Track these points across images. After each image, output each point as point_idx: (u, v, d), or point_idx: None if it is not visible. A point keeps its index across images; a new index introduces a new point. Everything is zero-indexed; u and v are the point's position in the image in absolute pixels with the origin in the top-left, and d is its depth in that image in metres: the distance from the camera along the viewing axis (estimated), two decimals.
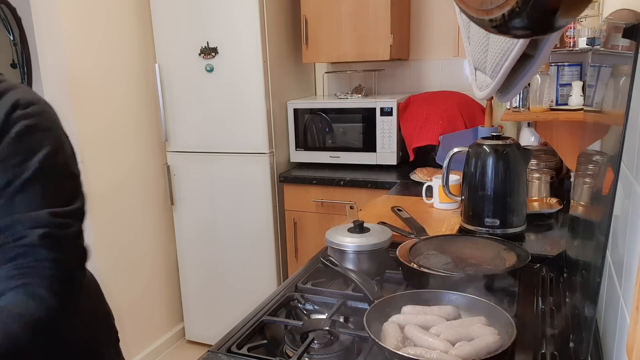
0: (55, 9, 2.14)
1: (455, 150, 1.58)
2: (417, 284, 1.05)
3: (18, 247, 0.74)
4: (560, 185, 1.84)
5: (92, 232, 2.33)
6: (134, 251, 2.59)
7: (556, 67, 1.76)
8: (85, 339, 0.95)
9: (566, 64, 1.76)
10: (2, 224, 0.75)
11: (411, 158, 2.51)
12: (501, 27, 0.56)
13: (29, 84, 3.91)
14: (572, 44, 1.68)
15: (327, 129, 2.62)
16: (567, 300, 1.03)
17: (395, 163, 2.53)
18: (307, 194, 2.52)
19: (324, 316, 1.02)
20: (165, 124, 2.66)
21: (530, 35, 0.78)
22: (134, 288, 2.60)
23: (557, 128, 1.84)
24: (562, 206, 1.61)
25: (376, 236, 1.19)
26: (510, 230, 1.43)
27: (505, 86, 1.08)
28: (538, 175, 1.72)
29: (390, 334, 0.86)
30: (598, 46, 1.38)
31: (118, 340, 1.08)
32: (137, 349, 2.64)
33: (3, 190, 0.76)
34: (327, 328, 0.94)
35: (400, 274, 1.16)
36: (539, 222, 1.58)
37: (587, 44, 1.61)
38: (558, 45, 1.68)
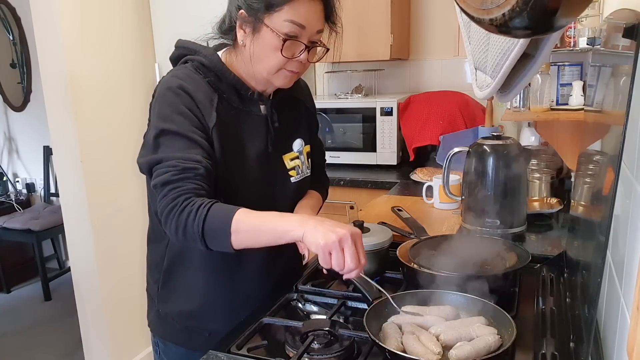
0: (54, 8, 2.13)
1: (456, 150, 1.57)
2: (417, 284, 1.04)
3: None
4: (560, 185, 1.83)
5: (93, 231, 2.33)
6: (136, 250, 2.58)
7: (557, 66, 1.76)
8: None
9: (567, 63, 1.76)
10: None
11: (411, 158, 2.50)
12: (501, 26, 0.56)
13: (29, 83, 3.91)
14: (572, 43, 1.68)
15: (327, 129, 2.61)
16: (567, 300, 1.02)
17: (395, 163, 2.53)
18: None
19: (324, 317, 1.02)
20: None
21: (530, 35, 0.77)
22: (133, 284, 2.60)
23: (558, 128, 1.84)
24: (562, 206, 1.61)
25: (376, 236, 1.19)
26: (511, 230, 1.43)
27: (506, 86, 1.08)
28: (538, 175, 1.71)
29: (390, 335, 0.86)
30: (598, 46, 1.38)
31: None
32: (138, 348, 2.63)
33: None
34: (327, 328, 0.94)
35: (400, 274, 1.16)
36: (540, 222, 1.58)
37: (587, 44, 1.60)
38: (558, 45, 1.68)
